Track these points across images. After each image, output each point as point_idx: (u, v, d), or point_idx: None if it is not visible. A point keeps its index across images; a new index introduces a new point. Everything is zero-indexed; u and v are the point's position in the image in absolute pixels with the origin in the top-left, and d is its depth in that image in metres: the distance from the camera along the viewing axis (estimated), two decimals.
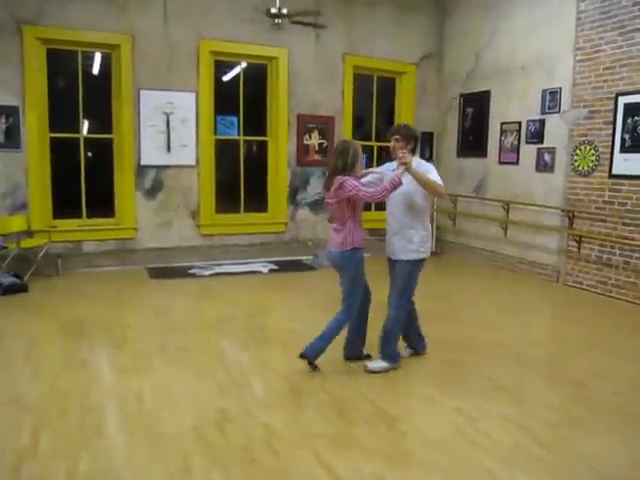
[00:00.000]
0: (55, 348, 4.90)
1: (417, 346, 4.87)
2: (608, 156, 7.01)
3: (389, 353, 4.51)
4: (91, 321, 5.66)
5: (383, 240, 4.65)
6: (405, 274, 4.46)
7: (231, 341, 5.33)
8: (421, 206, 4.42)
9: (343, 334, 4.53)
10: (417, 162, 4.34)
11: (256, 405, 3.88)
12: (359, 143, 4.54)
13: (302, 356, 4.37)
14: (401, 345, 4.71)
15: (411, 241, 4.40)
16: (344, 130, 9.32)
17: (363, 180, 4.45)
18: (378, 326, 4.57)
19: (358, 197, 4.23)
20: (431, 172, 4.34)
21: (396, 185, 4.17)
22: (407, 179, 4.25)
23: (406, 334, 4.76)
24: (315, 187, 9.25)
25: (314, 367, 4.43)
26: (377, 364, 4.49)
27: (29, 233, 7.46)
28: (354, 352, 4.64)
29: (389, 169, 4.52)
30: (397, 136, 4.41)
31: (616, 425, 3.68)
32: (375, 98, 9.84)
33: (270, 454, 3.22)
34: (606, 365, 4.79)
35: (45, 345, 4.99)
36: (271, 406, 3.88)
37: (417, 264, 4.47)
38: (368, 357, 4.63)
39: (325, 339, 4.38)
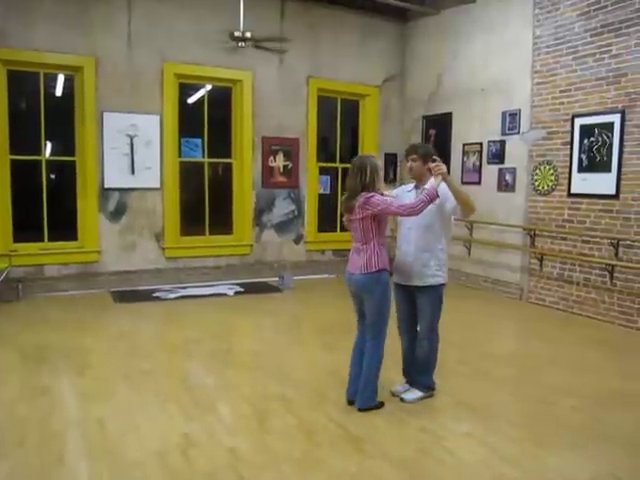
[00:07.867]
0: (15, 375, 4.77)
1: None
2: (567, 176, 7.20)
3: (425, 383, 4.40)
4: (53, 347, 5.54)
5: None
6: (429, 301, 4.27)
7: (196, 364, 5.27)
8: (439, 228, 4.23)
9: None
10: (431, 181, 4.10)
11: (221, 429, 3.83)
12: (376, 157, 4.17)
13: (361, 410, 4.08)
14: (400, 380, 4.54)
15: (427, 265, 4.21)
16: (309, 152, 9.38)
17: None
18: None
19: (389, 212, 3.94)
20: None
21: (433, 198, 3.88)
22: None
23: (407, 371, 4.56)
24: (280, 209, 9.28)
25: (381, 404, 4.18)
26: (413, 394, 4.36)
27: None
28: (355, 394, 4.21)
29: (405, 191, 4.37)
30: (414, 155, 4.24)
31: (579, 440, 3.74)
32: (339, 120, 9.94)
33: (236, 479, 3.18)
34: (568, 380, 4.87)
35: (5, 372, 4.85)
36: (236, 430, 3.84)
37: (438, 289, 4.27)
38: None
39: (370, 381, 4.09)
